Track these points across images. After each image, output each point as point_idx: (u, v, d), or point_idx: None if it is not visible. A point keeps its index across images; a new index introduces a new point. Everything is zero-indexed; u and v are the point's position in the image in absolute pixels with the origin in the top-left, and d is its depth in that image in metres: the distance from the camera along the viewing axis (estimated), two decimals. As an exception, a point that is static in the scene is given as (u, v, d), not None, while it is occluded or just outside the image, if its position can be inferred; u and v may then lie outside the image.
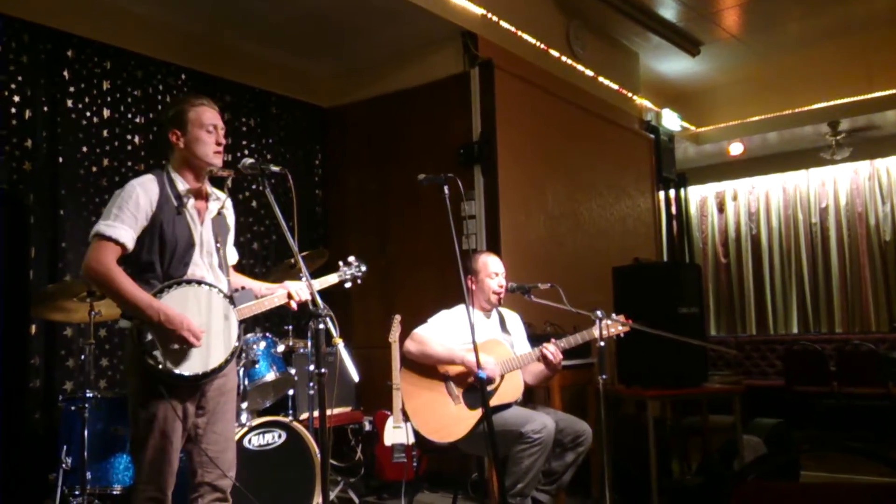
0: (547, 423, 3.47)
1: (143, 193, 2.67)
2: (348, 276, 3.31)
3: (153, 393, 2.61)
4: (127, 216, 2.63)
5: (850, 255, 8.93)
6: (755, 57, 7.81)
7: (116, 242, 2.60)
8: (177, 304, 2.61)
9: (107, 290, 2.64)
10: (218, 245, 2.85)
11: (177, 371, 2.59)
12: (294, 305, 2.96)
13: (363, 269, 3.37)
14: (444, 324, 3.85)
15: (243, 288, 2.93)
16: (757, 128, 8.52)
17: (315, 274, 3.31)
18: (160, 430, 2.62)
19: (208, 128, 2.79)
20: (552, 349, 3.61)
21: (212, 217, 2.86)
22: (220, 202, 2.91)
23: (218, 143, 2.81)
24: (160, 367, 2.56)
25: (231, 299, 2.79)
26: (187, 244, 2.74)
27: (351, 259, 3.35)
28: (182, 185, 2.79)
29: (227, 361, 2.72)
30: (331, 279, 3.24)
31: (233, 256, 3.07)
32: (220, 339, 2.71)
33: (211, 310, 2.71)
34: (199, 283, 2.72)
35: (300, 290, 2.96)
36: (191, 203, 2.79)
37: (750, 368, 8.92)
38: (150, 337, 2.57)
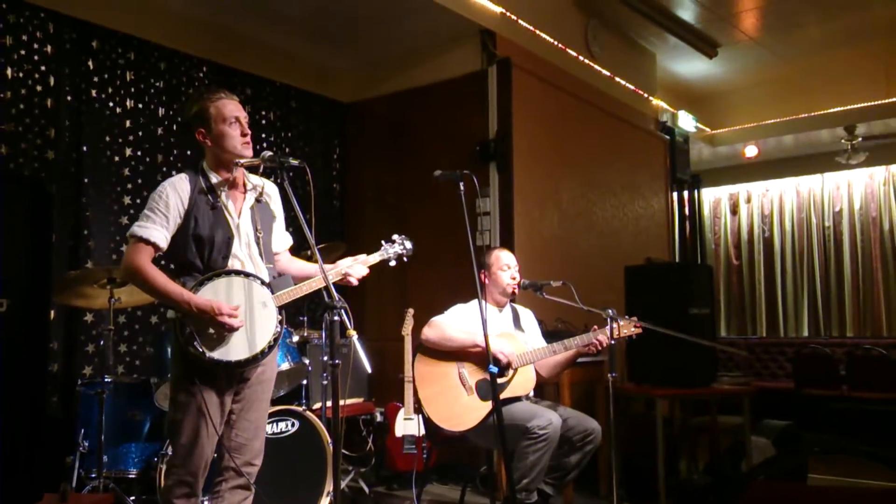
0: (553, 420, 3.50)
1: (173, 193, 2.73)
2: (391, 255, 3.19)
3: (192, 380, 2.69)
4: (158, 216, 2.71)
5: (863, 259, 8.90)
6: (772, 60, 7.79)
7: (147, 242, 2.68)
8: (211, 295, 2.68)
9: (142, 287, 2.72)
10: (258, 234, 2.88)
11: (217, 358, 2.65)
12: (354, 281, 3.00)
13: (408, 245, 3.21)
14: (459, 315, 3.90)
15: (281, 275, 2.96)
16: (772, 131, 8.49)
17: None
18: (195, 416, 2.70)
19: (230, 120, 2.81)
20: (602, 338, 3.65)
21: (249, 206, 2.89)
22: (257, 191, 2.94)
23: (244, 134, 2.83)
24: (201, 356, 2.63)
25: (269, 286, 2.83)
26: (225, 237, 2.79)
27: (395, 237, 3.22)
28: (216, 178, 2.83)
29: (269, 347, 2.76)
30: (372, 259, 3.15)
31: (285, 241, 3.12)
32: (259, 326, 2.76)
33: (248, 298, 2.75)
34: (238, 272, 2.77)
35: (355, 267, 3.00)
36: (226, 196, 2.83)
37: (760, 370, 8.92)
38: (189, 328, 2.64)
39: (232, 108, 2.84)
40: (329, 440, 3.99)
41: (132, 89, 4.96)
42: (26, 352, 3.05)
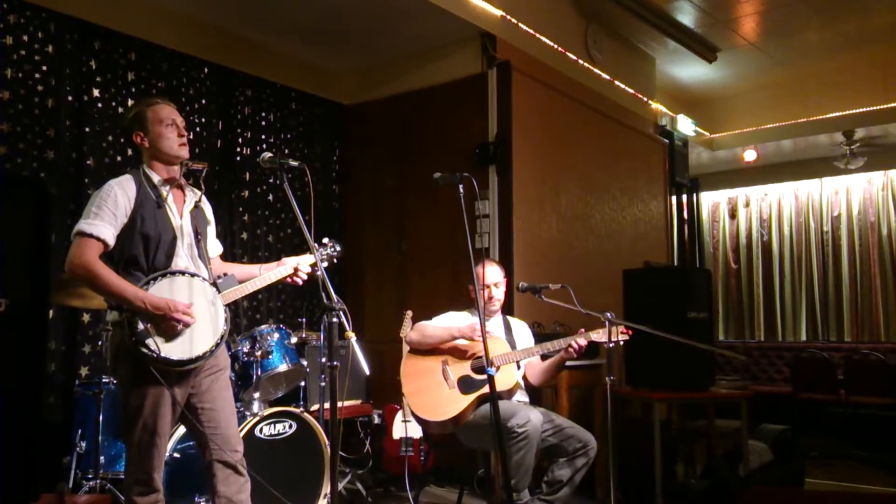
0: (531, 417, 3.51)
1: (120, 192, 2.75)
2: (324, 256, 3.26)
3: (144, 381, 2.68)
4: (106, 214, 2.71)
5: (861, 264, 8.92)
6: (772, 64, 7.81)
7: (98, 239, 2.68)
8: (162, 294, 2.69)
9: (91, 285, 2.71)
10: (199, 237, 2.92)
11: (170, 357, 2.66)
12: (300, 281, 3.04)
13: (338, 248, 3.31)
14: (448, 321, 3.95)
15: (226, 274, 2.98)
16: (771, 135, 8.52)
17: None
18: (148, 416, 2.70)
19: (167, 122, 2.87)
20: (582, 341, 3.68)
21: (189, 210, 2.94)
22: (196, 195, 2.99)
23: (180, 136, 2.89)
24: (154, 354, 2.63)
25: (215, 286, 2.87)
26: (170, 237, 2.82)
27: (325, 240, 3.30)
28: (157, 178, 2.87)
29: (216, 345, 2.79)
30: (308, 259, 3.15)
31: (216, 248, 3.16)
32: (207, 324, 2.78)
33: (196, 297, 2.77)
34: (183, 273, 2.79)
35: (302, 263, 3.05)
36: (169, 197, 2.87)
37: (757, 374, 8.93)
38: (141, 327, 2.63)
39: (168, 111, 2.91)
40: (326, 442, 3.99)
41: (134, 90, 4.96)
42: (24, 352, 3.05)
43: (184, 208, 2.92)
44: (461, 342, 3.82)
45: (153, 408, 2.70)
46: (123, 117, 2.99)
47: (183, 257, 2.84)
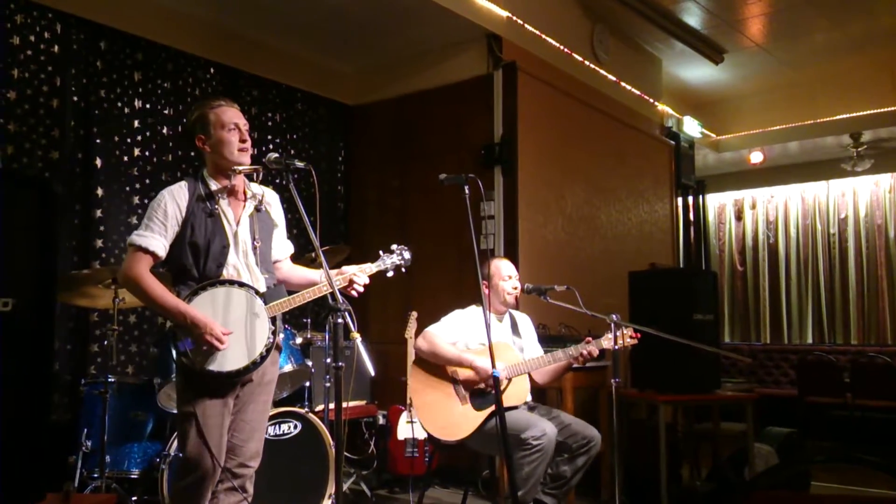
0: (547, 430, 3.48)
1: (170, 201, 2.75)
2: (388, 265, 3.09)
3: (192, 390, 2.71)
4: (156, 225, 2.73)
5: (868, 266, 8.89)
6: (779, 66, 7.79)
7: (146, 251, 2.70)
8: (205, 307, 2.69)
9: (139, 297, 2.74)
10: (256, 243, 2.87)
11: (208, 368, 2.67)
12: (354, 293, 2.92)
13: (406, 256, 3.11)
14: (456, 323, 3.89)
15: (276, 284, 2.95)
16: (778, 137, 8.50)
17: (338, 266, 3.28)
18: (196, 426, 2.70)
19: (230, 126, 2.83)
20: (593, 349, 3.64)
21: (248, 215, 2.89)
22: (257, 199, 2.93)
23: (242, 141, 2.84)
24: (194, 366, 2.66)
25: (263, 297, 2.82)
26: (221, 245, 2.79)
27: (394, 247, 3.12)
28: (215, 185, 2.84)
29: (261, 357, 2.76)
30: (369, 268, 3.04)
31: (285, 249, 3.10)
32: (250, 337, 2.76)
33: (241, 309, 2.76)
34: (231, 283, 2.77)
35: (359, 274, 2.94)
36: (225, 204, 2.84)
37: (763, 377, 8.90)
38: (181, 338, 2.66)
39: (231, 114, 2.86)
40: (331, 442, 3.98)
41: (140, 90, 4.97)
42: (30, 351, 3.05)
43: (242, 214, 2.88)
44: (474, 362, 3.73)
45: (201, 417, 2.70)
46: (187, 119, 2.95)
47: (235, 266, 2.82)
